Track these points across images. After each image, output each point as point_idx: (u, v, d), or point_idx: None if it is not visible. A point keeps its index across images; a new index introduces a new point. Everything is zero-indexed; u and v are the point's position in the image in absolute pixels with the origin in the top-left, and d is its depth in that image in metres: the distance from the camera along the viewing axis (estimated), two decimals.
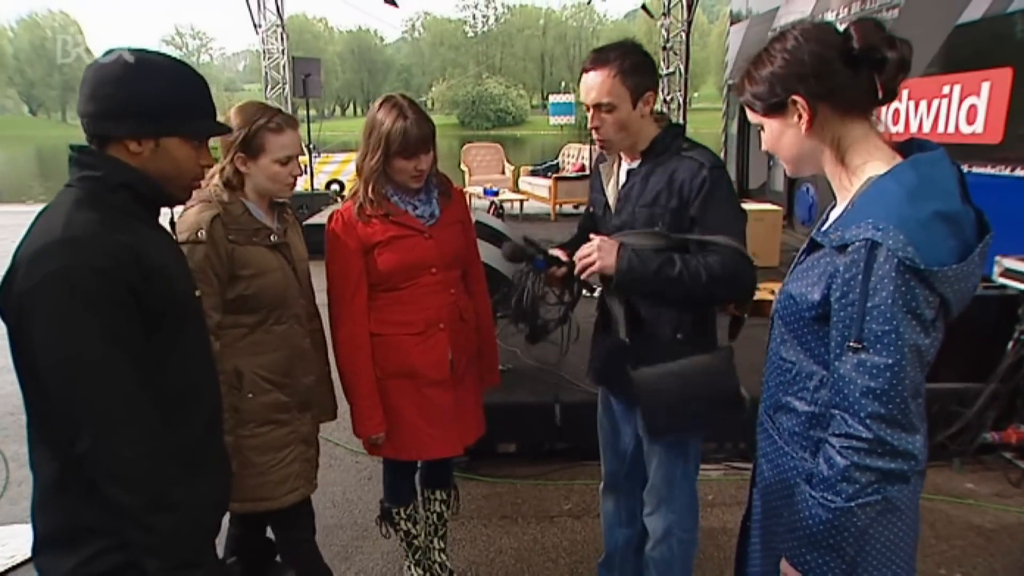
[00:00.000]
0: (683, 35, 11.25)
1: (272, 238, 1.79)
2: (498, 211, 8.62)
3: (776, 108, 1.16)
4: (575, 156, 11.10)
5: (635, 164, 1.79)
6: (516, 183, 11.43)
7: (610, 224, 1.81)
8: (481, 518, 2.91)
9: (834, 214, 1.18)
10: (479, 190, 10.26)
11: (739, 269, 1.63)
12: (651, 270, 1.59)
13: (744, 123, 10.40)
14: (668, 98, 11.44)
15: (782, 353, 1.23)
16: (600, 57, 1.68)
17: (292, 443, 1.84)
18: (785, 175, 8.92)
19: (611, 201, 1.83)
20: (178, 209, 1.44)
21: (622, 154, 1.84)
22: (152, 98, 1.19)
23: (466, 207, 2.12)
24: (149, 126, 1.20)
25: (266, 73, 10.78)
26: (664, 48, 11.68)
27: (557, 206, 9.98)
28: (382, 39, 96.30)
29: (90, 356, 1.08)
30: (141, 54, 1.20)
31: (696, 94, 51.97)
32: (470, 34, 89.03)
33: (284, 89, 10.81)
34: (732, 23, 10.83)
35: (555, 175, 10.26)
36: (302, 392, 1.87)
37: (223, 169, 1.74)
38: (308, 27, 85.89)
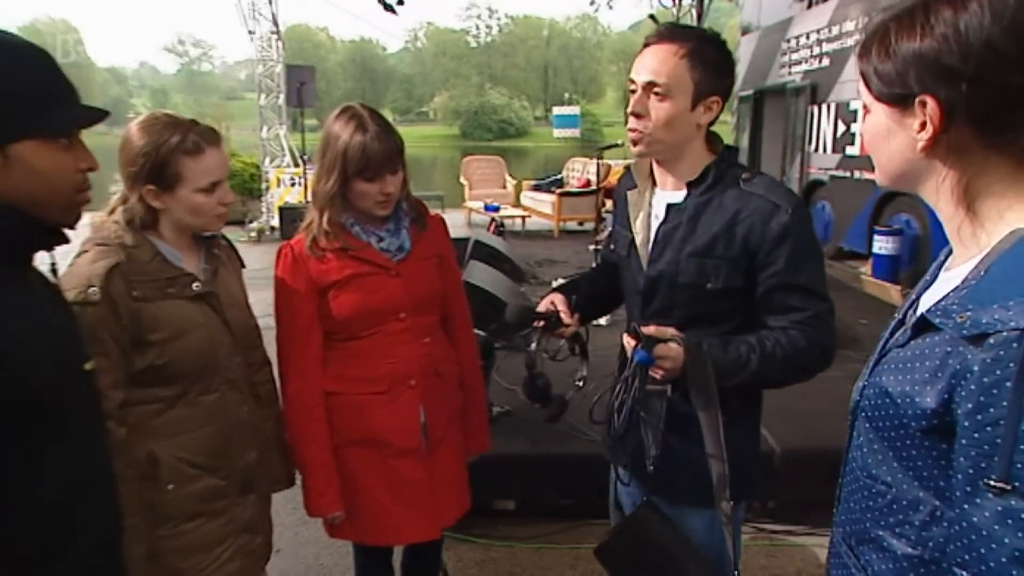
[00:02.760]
0: None
1: (195, 286, 1.45)
2: (498, 228, 8.33)
3: (896, 99, 0.81)
4: (580, 171, 10.82)
5: (678, 196, 1.44)
6: (518, 198, 11.15)
7: (641, 275, 1.48)
8: None
9: (951, 276, 0.83)
10: (479, 205, 10.01)
11: (828, 342, 1.37)
12: (729, 367, 1.33)
13: (756, 137, 10.14)
14: None
15: (871, 469, 0.88)
16: (671, 32, 1.37)
17: (229, 536, 1.50)
18: (800, 189, 8.72)
19: (640, 241, 1.49)
20: (63, 253, 1.09)
21: (659, 178, 1.49)
22: None
23: (446, 237, 1.82)
24: None
25: (260, 81, 10.58)
26: None
27: (560, 223, 9.70)
28: (384, 48, 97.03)
29: None
30: None
31: None
32: (472, 44, 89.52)
33: (279, 98, 10.60)
34: (742, 34, 10.62)
35: (559, 190, 9.99)
36: (241, 471, 1.54)
37: (127, 205, 1.41)
38: (310, 36, 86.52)
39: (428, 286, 1.70)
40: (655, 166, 1.49)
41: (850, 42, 7.27)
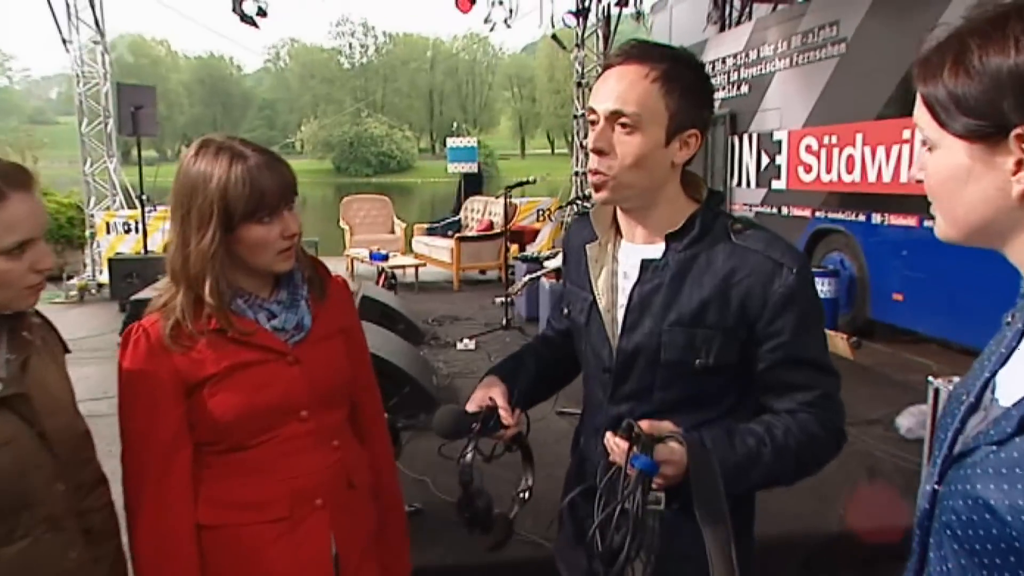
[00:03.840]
0: (599, 70, 11.36)
1: None
2: (389, 281, 8.13)
3: (982, 133, 0.74)
4: (481, 211, 10.85)
5: (655, 251, 1.37)
6: (409, 244, 11.03)
7: (606, 347, 1.40)
8: None
9: None
10: (363, 253, 9.79)
11: (841, 424, 1.34)
12: (738, 467, 1.27)
13: None
14: (584, 141, 11.53)
15: None
16: (641, 51, 1.28)
17: None
18: None
19: (604, 305, 1.41)
20: None
21: (625, 228, 1.42)
22: None
23: (351, 306, 1.67)
24: None
25: (81, 102, 9.93)
26: (579, 84, 11.85)
27: (460, 272, 9.63)
28: (239, 68, 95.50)
29: None
30: None
31: None
32: (346, 66, 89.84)
33: (107, 124, 10.00)
34: None
35: (457, 234, 9.95)
36: None
37: None
38: (145, 50, 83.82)
39: (336, 373, 1.53)
40: (620, 214, 1.43)
41: (769, 68, 7.80)
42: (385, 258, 9.25)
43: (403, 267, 9.48)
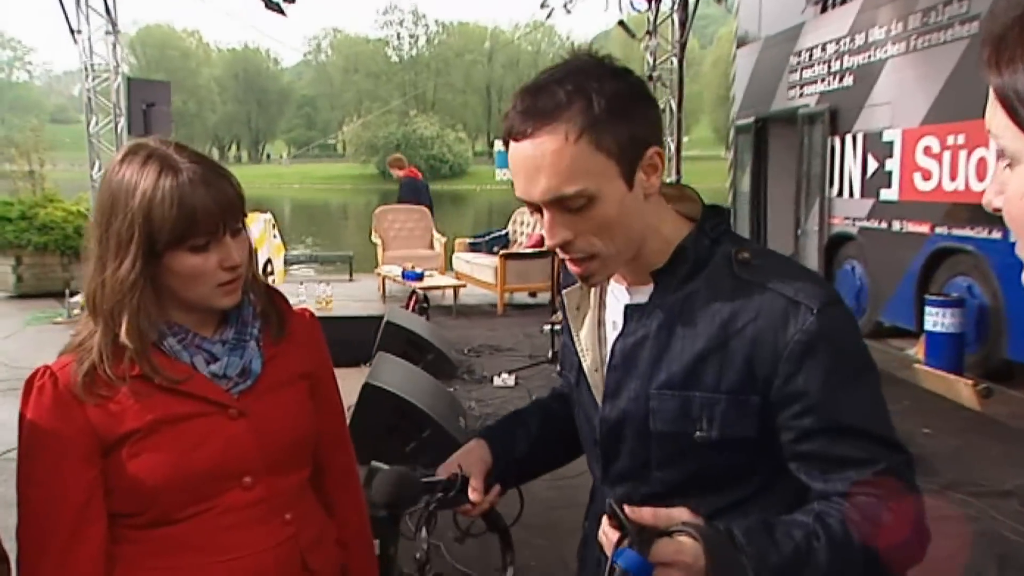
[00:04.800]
0: (674, 60, 11.32)
1: None
2: (421, 304, 8.14)
3: None
4: (531, 224, 10.81)
5: (641, 294, 1.28)
6: (449, 261, 11.13)
7: (597, 414, 1.33)
8: None
9: None
10: (396, 271, 9.91)
11: (917, 510, 1.16)
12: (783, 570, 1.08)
13: (759, 178, 10.32)
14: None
15: None
16: (542, 109, 1.15)
17: None
18: (821, 245, 8.80)
19: (589, 363, 1.35)
20: None
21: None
22: None
23: (319, 346, 1.62)
24: None
25: (90, 99, 10.33)
26: (650, 78, 11.69)
27: (506, 295, 9.64)
28: (277, 61, 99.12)
29: None
30: None
31: (687, 138, 54.11)
32: (394, 59, 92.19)
33: (119, 123, 10.34)
34: (738, 46, 11.01)
35: (503, 251, 9.98)
36: None
37: None
38: (174, 41, 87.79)
39: (293, 429, 1.48)
40: None
41: (880, 54, 7.50)
42: (420, 277, 9.32)
43: (439, 288, 9.49)
